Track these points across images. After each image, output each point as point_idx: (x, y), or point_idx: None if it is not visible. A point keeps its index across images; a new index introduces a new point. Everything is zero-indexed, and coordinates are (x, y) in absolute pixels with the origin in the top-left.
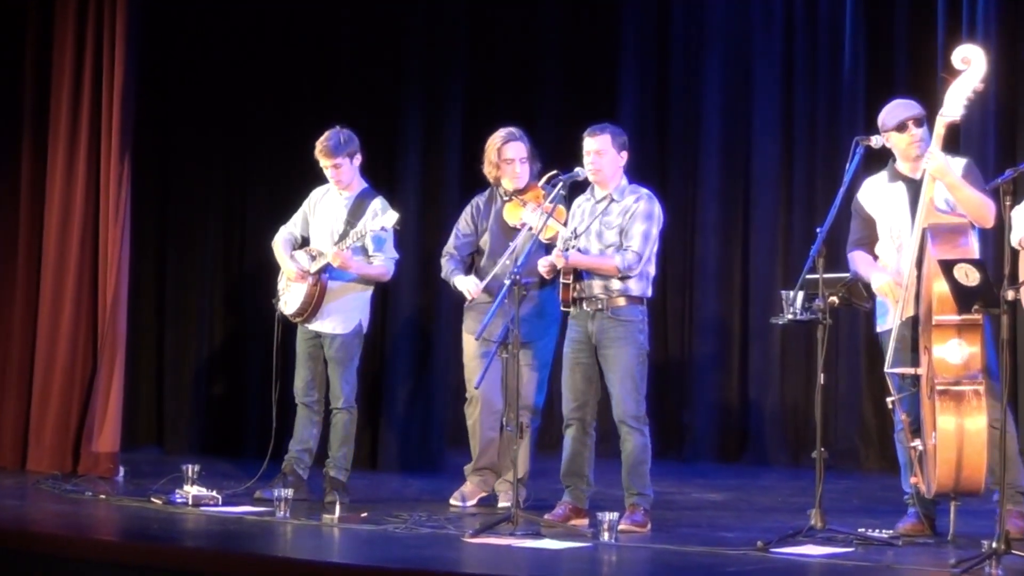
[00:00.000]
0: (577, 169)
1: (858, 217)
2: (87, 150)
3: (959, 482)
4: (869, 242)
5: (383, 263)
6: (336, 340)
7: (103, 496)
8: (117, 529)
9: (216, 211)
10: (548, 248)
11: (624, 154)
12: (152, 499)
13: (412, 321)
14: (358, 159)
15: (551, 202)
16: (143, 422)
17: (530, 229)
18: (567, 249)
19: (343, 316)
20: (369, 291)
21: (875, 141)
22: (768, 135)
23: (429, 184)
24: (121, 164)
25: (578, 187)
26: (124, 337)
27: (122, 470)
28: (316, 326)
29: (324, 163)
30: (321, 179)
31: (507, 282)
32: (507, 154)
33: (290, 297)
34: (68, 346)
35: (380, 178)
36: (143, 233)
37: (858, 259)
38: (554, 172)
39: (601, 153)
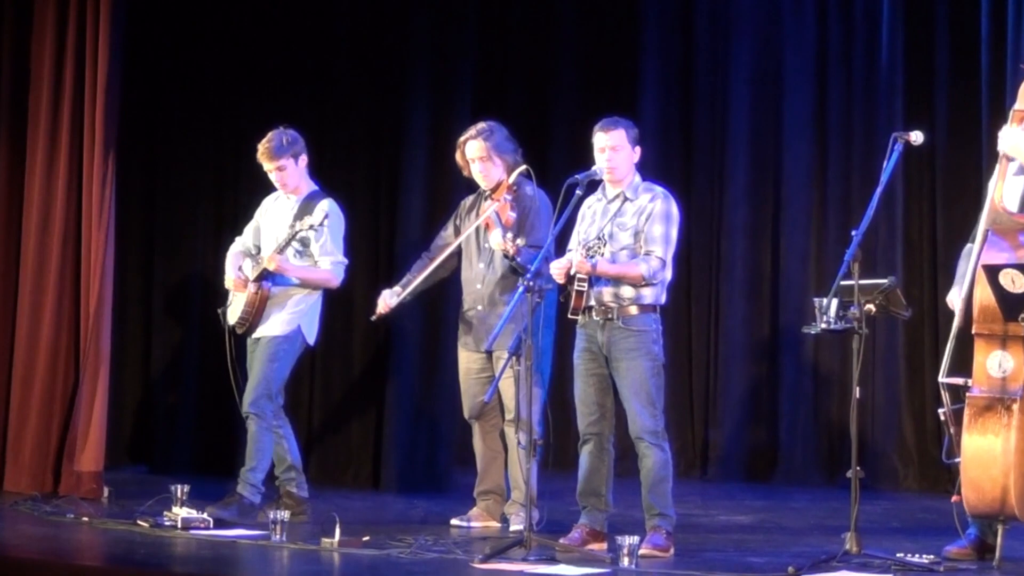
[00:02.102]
0: (595, 168)
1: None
2: (68, 147)
3: (986, 504)
4: None
5: (329, 267)
6: (263, 340)
7: (86, 519)
8: (101, 554)
9: (207, 213)
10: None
11: (638, 149)
12: (138, 522)
13: (417, 331)
14: (304, 160)
15: (504, 200)
16: (129, 439)
17: (486, 228)
18: (593, 256)
19: (280, 320)
20: (314, 297)
21: (915, 137)
22: (800, 131)
23: (436, 184)
24: (105, 162)
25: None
26: (108, 348)
27: (106, 490)
28: (257, 333)
29: (267, 166)
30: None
31: (519, 288)
32: (467, 153)
33: (233, 307)
34: (48, 358)
35: (384, 178)
36: (129, 236)
37: (962, 259)
38: (524, 167)
39: (617, 149)
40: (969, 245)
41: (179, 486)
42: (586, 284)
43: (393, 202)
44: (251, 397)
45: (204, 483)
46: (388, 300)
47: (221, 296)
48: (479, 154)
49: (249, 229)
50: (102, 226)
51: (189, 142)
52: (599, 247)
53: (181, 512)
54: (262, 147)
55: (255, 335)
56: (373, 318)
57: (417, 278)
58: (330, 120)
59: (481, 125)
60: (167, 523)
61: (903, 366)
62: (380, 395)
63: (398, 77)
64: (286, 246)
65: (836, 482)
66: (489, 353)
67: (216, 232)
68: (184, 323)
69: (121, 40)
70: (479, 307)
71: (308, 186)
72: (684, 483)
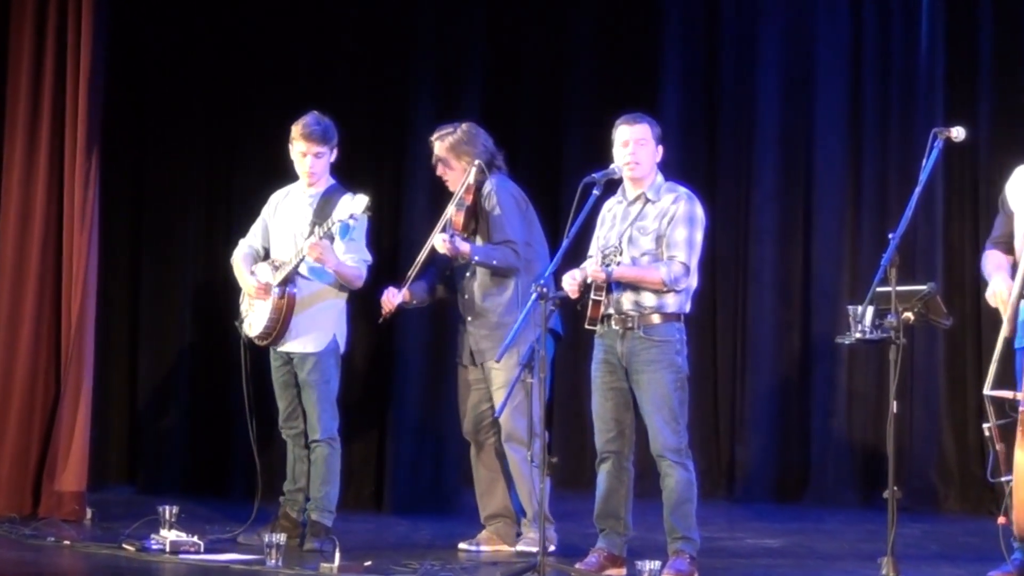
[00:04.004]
0: (613, 166)
1: (1001, 211)
2: (49, 144)
3: None
4: (1010, 240)
5: (356, 263)
6: (308, 360)
7: (68, 542)
8: None
9: (198, 215)
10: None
11: (660, 149)
12: (124, 545)
13: (423, 341)
14: (335, 153)
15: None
16: (113, 457)
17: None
18: (608, 264)
19: (315, 331)
20: (343, 300)
21: (956, 133)
22: (832, 127)
23: (442, 185)
24: (88, 160)
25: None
26: (92, 360)
27: (89, 512)
28: (286, 347)
29: (307, 148)
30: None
31: (532, 295)
32: (435, 155)
33: (254, 317)
34: (27, 370)
35: (386, 176)
36: (114, 240)
37: (988, 258)
38: (478, 163)
39: (642, 143)
40: (993, 250)
41: (167, 507)
42: (603, 293)
43: (397, 205)
44: (321, 425)
45: (194, 504)
46: (392, 299)
47: (219, 303)
48: (439, 154)
49: (256, 229)
50: (85, 229)
51: (179, 139)
52: (615, 255)
53: (170, 535)
54: (308, 127)
55: (283, 348)
56: (380, 321)
57: (411, 273)
58: (330, 115)
59: (444, 127)
60: (155, 547)
61: (943, 379)
62: (382, 409)
63: (402, 71)
64: (323, 235)
65: (872, 503)
66: (482, 365)
67: (208, 236)
68: (173, 333)
69: (106, 29)
70: (468, 317)
71: (328, 180)
72: (709, 504)
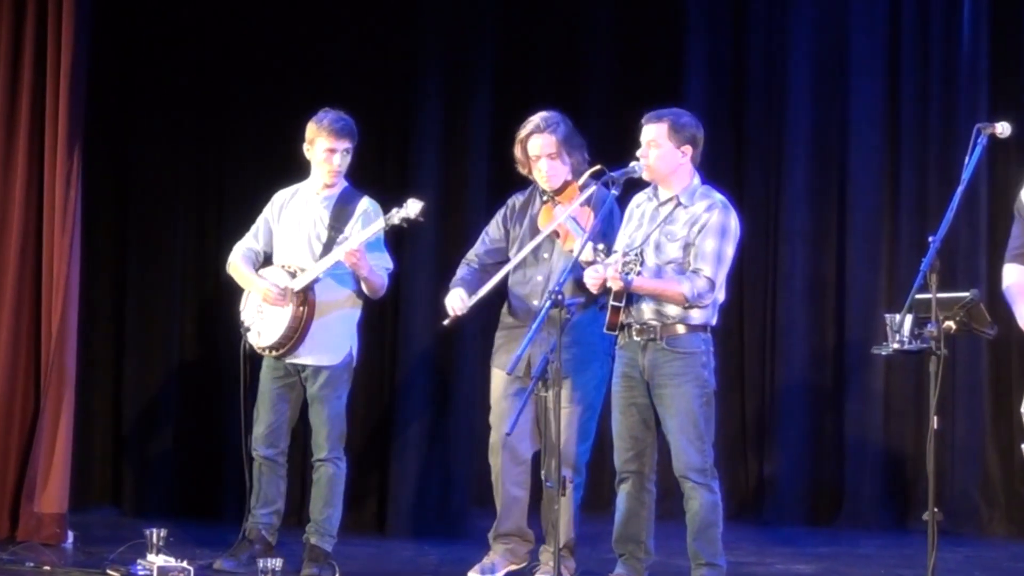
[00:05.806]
0: (632, 164)
1: (1019, 220)
2: (27, 141)
3: None
4: None
5: (382, 272)
6: (322, 374)
7: (48, 567)
8: None
9: (187, 217)
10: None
11: (687, 149)
12: (108, 571)
13: (428, 351)
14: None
15: (582, 204)
16: (97, 476)
17: (555, 236)
18: (628, 273)
19: (331, 344)
20: (359, 310)
21: (1001, 129)
22: (868, 122)
23: (449, 185)
24: (70, 158)
25: (634, 184)
26: (73, 371)
27: (71, 535)
28: (297, 359)
29: (335, 144)
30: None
31: (546, 303)
32: (530, 149)
33: (265, 325)
34: (5, 383)
35: (390, 178)
36: (97, 243)
37: (1008, 275)
38: (599, 167)
39: (653, 144)
40: (1015, 265)
41: (154, 530)
42: (623, 300)
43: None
44: (328, 443)
45: (183, 527)
46: (465, 300)
47: (210, 311)
48: (548, 150)
49: (258, 231)
50: (67, 232)
51: (167, 136)
52: (635, 264)
53: (157, 560)
54: (335, 123)
55: (293, 360)
56: (446, 323)
57: (487, 285)
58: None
59: (546, 115)
60: (141, 572)
61: (987, 392)
62: (386, 425)
63: (406, 60)
64: (362, 242)
65: (910, 525)
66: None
67: (198, 239)
68: (161, 343)
69: (89, 19)
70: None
71: (343, 182)
72: (736, 527)
